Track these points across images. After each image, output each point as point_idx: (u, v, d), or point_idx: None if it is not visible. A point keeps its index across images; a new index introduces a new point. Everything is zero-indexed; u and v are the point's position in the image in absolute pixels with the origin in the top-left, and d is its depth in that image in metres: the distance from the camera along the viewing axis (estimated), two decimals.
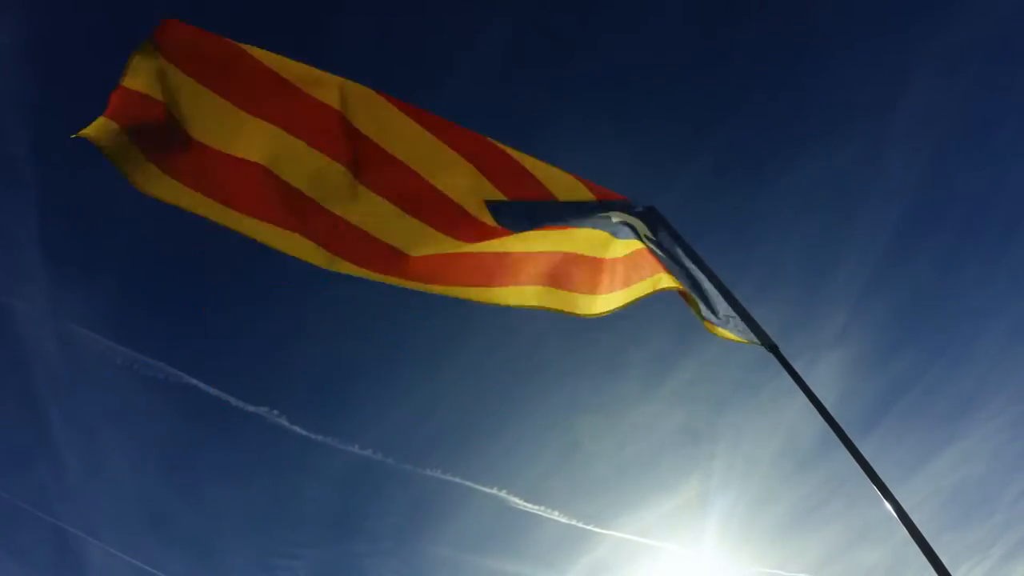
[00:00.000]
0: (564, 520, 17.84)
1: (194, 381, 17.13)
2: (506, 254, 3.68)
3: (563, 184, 3.77)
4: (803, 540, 17.61)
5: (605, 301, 3.53)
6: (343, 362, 20.72)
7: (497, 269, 3.67)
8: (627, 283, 3.46)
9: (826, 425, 2.78)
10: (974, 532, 16.87)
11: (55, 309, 16.87)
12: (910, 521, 2.60)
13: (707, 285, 3.29)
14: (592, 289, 3.61)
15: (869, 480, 2.71)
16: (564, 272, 3.67)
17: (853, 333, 17.61)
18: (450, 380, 20.26)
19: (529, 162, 3.71)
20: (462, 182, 3.59)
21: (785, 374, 2.90)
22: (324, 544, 20.00)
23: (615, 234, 3.65)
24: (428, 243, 3.53)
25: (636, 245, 3.50)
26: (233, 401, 17.19)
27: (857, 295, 17.52)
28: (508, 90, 18.31)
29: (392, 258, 3.46)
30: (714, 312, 3.22)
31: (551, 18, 16.96)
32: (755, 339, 3.07)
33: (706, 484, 18.35)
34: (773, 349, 2.99)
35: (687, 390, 19.23)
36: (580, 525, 17.93)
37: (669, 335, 18.29)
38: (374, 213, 3.43)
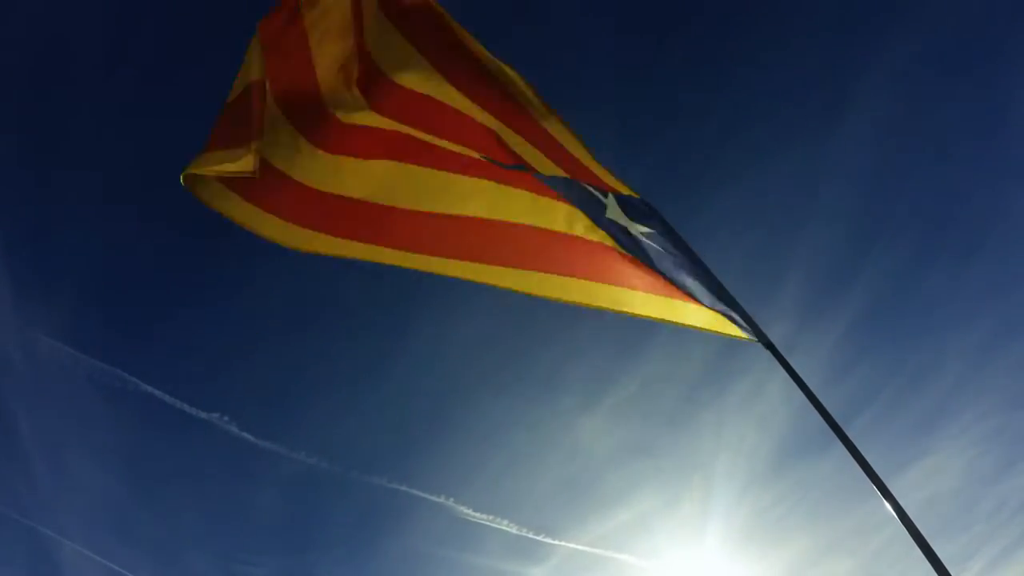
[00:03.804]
0: (514, 531, 17.73)
1: (150, 388, 17.25)
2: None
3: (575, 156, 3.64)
4: (768, 552, 17.69)
5: (629, 299, 3.46)
6: (291, 369, 20.85)
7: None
8: (644, 289, 3.43)
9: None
10: (951, 545, 17.01)
11: (20, 318, 16.72)
12: (910, 521, 2.56)
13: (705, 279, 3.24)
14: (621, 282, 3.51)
15: (869, 481, 2.68)
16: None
17: (802, 350, 17.72)
18: (394, 388, 20.27)
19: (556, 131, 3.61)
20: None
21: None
22: (282, 553, 19.96)
23: (601, 225, 3.54)
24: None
25: (626, 253, 3.47)
26: (188, 408, 17.15)
27: (805, 312, 17.60)
28: None
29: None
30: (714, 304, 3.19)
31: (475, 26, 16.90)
32: (752, 335, 3.04)
33: (660, 496, 18.43)
34: (770, 347, 2.95)
35: (632, 404, 19.31)
36: (531, 536, 17.81)
37: (610, 350, 18.42)
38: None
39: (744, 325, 3.06)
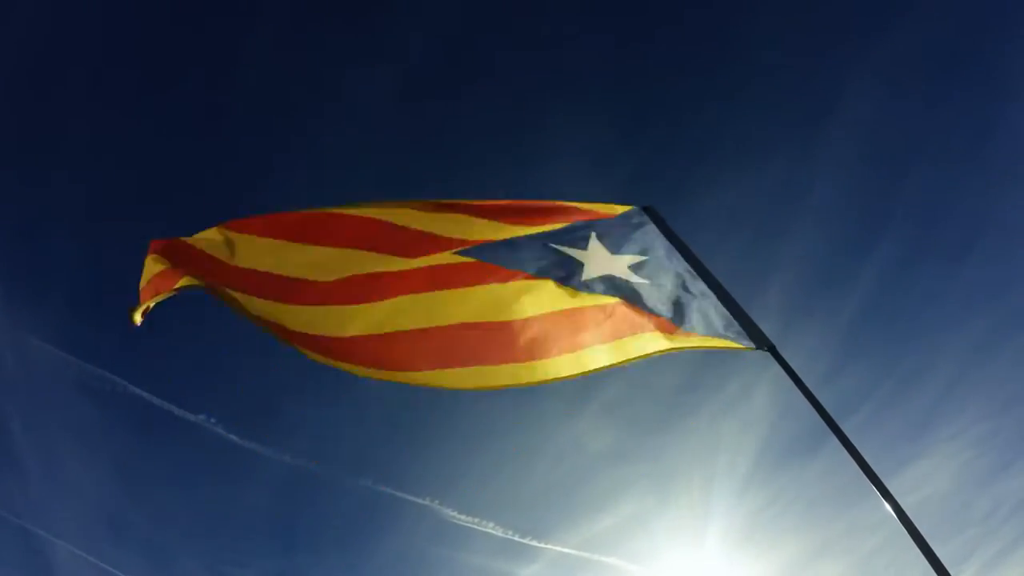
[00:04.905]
0: (499, 533, 17.62)
1: (138, 390, 17.09)
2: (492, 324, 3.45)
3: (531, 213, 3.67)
4: (759, 555, 17.68)
5: (590, 357, 3.37)
6: (278, 370, 20.97)
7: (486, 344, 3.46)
8: (612, 337, 3.40)
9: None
10: (945, 548, 16.92)
11: (9, 321, 16.73)
12: (909, 521, 2.61)
13: (702, 290, 3.29)
14: (572, 347, 3.41)
15: (860, 483, 2.73)
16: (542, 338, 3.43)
17: (792, 351, 17.55)
18: (380, 390, 20.30)
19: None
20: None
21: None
22: (270, 554, 19.96)
23: (579, 288, 3.51)
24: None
25: (608, 300, 3.46)
26: (175, 410, 17.29)
27: (795, 314, 17.54)
28: (422, 109, 18.36)
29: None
30: (709, 323, 3.25)
31: (465, 28, 16.99)
32: (750, 344, 3.09)
33: (648, 499, 18.38)
34: (771, 349, 3.00)
35: (619, 407, 19.22)
36: (516, 539, 17.63)
37: None
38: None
39: (744, 333, 3.10)
